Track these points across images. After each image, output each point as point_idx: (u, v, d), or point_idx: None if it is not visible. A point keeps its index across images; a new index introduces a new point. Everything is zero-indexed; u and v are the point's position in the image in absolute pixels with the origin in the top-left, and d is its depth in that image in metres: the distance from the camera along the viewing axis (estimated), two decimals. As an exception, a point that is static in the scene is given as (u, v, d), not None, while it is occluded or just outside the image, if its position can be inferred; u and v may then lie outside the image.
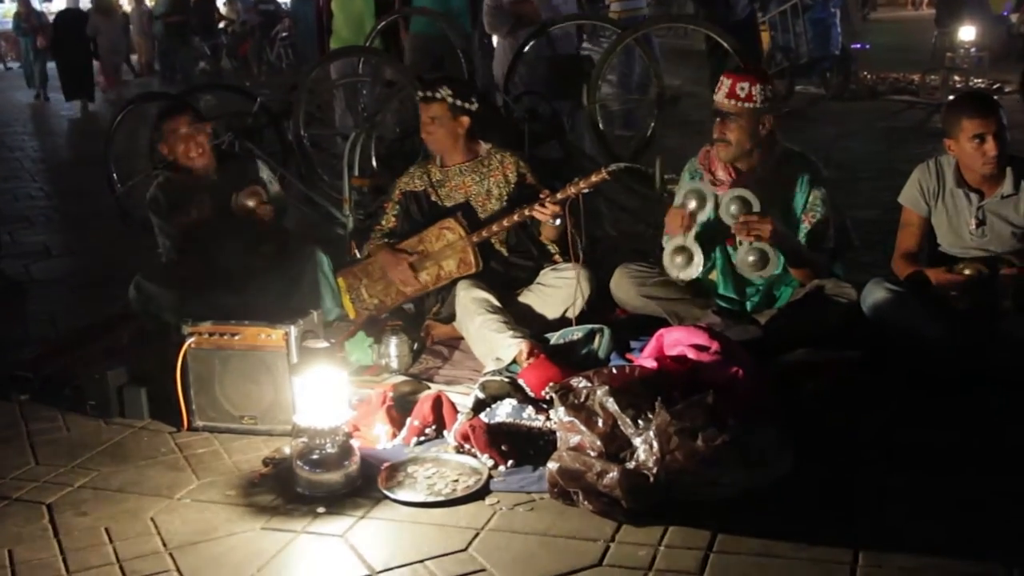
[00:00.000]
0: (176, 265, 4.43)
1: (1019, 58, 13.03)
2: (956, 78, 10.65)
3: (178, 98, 6.37)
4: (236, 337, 3.57)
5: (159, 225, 4.49)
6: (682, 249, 4.02)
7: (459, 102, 4.37)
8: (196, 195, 4.39)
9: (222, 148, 5.29)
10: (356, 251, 4.75)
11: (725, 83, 4.01)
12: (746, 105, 3.98)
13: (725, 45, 5.98)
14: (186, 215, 4.36)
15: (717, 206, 3.98)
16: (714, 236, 4.08)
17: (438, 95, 4.37)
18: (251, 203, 4.36)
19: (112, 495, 3.23)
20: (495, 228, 4.29)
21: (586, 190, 4.03)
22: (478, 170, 4.47)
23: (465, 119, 4.40)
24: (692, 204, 4.02)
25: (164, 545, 2.91)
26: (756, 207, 3.87)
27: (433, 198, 4.50)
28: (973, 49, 11.23)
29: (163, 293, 4.28)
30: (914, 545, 2.73)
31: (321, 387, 3.22)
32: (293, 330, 3.52)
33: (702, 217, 4.01)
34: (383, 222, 4.58)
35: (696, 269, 4.01)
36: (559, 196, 4.07)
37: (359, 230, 4.95)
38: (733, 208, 3.90)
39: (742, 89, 3.97)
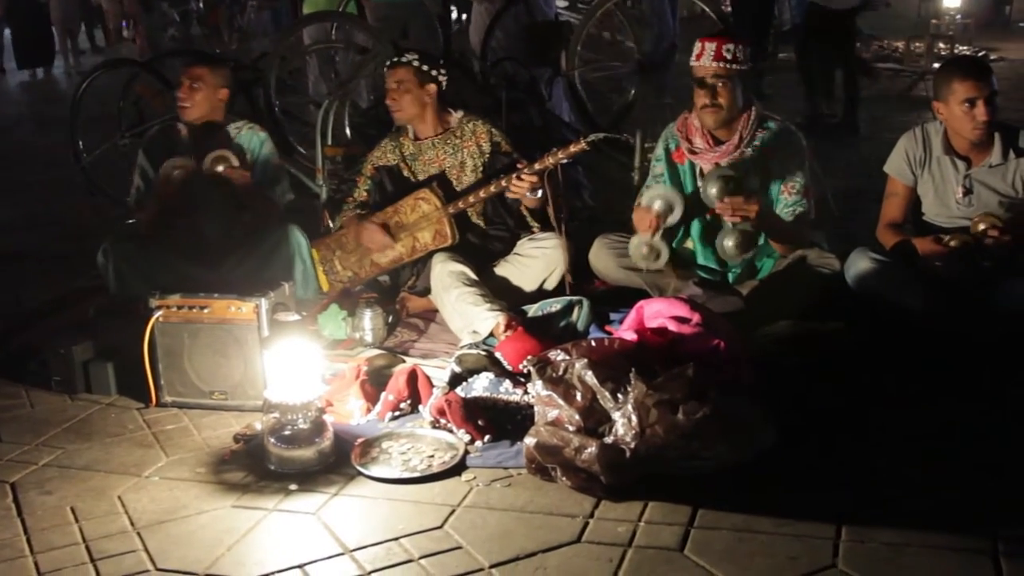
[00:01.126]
0: (149, 222, 4.33)
1: (1003, 25, 13.02)
2: (941, 45, 10.62)
3: (143, 64, 6.25)
4: (205, 310, 3.49)
5: (142, 165, 4.40)
6: (649, 245, 3.94)
7: (426, 67, 4.28)
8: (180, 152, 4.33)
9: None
10: (330, 221, 4.66)
11: (708, 47, 3.90)
12: (734, 67, 3.89)
13: (706, 9, 5.90)
14: (168, 177, 4.27)
15: (694, 185, 3.90)
16: (692, 209, 4.01)
17: (404, 59, 4.29)
18: (219, 168, 4.25)
19: (78, 473, 3.16)
20: (471, 199, 4.21)
21: (564, 160, 3.96)
22: (451, 141, 4.38)
23: (432, 87, 4.30)
24: (658, 206, 3.93)
25: (132, 524, 2.84)
26: (740, 187, 3.79)
27: (406, 173, 4.41)
28: (958, 16, 11.19)
29: (133, 259, 4.18)
30: (897, 519, 2.70)
31: (293, 361, 3.15)
32: (264, 303, 3.45)
33: (670, 221, 3.93)
34: (355, 195, 4.49)
35: (662, 264, 3.96)
36: (536, 167, 3.99)
37: (333, 200, 4.86)
38: (714, 190, 3.81)
39: (728, 51, 3.88)
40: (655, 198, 3.96)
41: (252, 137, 4.48)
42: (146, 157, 4.43)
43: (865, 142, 7.20)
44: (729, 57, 3.88)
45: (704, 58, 3.91)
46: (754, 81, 3.98)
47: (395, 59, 4.34)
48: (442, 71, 4.34)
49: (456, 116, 4.42)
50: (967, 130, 3.80)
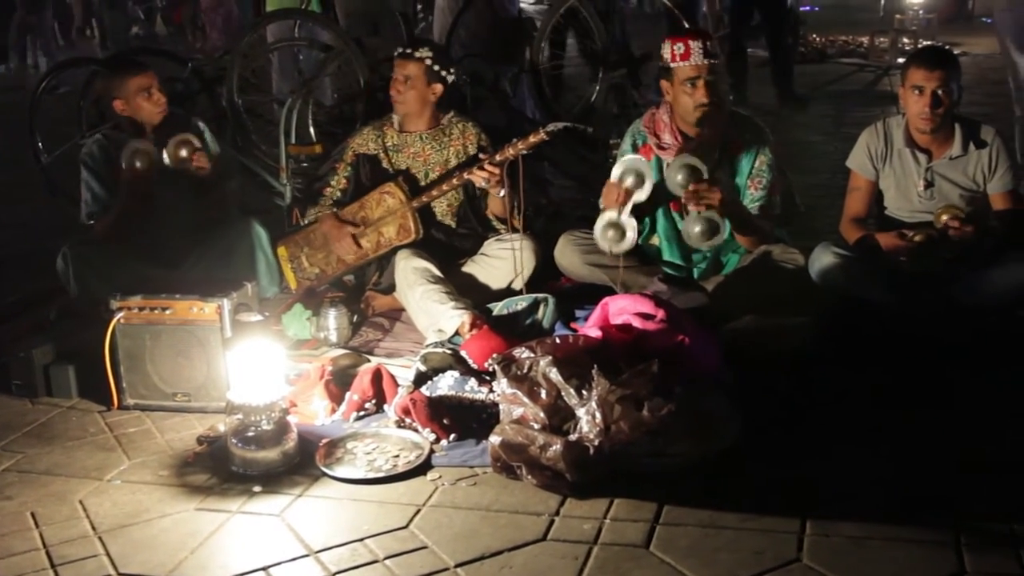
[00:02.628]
0: (100, 223, 4.27)
1: (966, 19, 13.14)
2: (905, 40, 10.68)
3: (104, 61, 6.16)
4: (167, 311, 3.46)
5: (87, 180, 4.32)
6: (615, 224, 3.89)
7: (437, 67, 4.26)
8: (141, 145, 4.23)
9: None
10: (300, 219, 4.63)
11: (695, 45, 3.87)
12: (717, 63, 3.91)
13: (668, 4, 5.90)
14: (131, 166, 4.18)
15: (660, 180, 3.89)
16: (657, 201, 4.00)
17: (417, 54, 4.26)
18: (183, 152, 4.14)
19: (38, 478, 3.11)
20: (435, 192, 4.20)
21: (525, 151, 3.95)
22: (438, 139, 4.36)
23: (438, 87, 4.29)
24: (629, 181, 3.88)
25: (93, 529, 2.81)
26: (705, 175, 3.79)
27: (385, 164, 4.38)
28: (921, 11, 11.27)
29: (92, 262, 4.12)
30: (861, 513, 2.71)
31: (256, 362, 3.12)
32: (226, 303, 3.42)
33: (639, 197, 3.87)
34: (333, 183, 4.44)
35: (628, 244, 3.90)
36: (498, 157, 3.98)
37: (297, 199, 4.82)
38: (680, 177, 3.79)
39: (711, 47, 3.90)
40: (625, 171, 3.89)
41: (199, 127, 4.45)
42: (89, 171, 4.32)
43: (827, 136, 7.24)
44: (713, 52, 3.90)
45: (694, 56, 3.87)
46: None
47: (407, 51, 4.29)
48: (451, 72, 4.33)
49: (447, 115, 4.41)
50: (914, 116, 3.83)
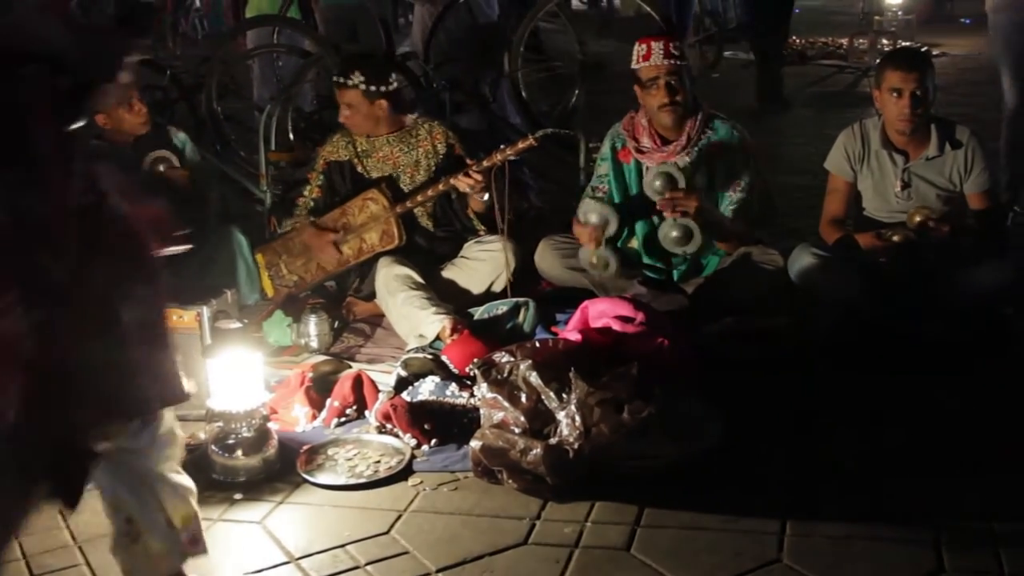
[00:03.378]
0: None
1: (946, 20, 13.20)
2: (884, 41, 10.71)
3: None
4: (146, 319, 3.43)
5: None
6: (596, 257, 3.97)
7: (373, 87, 4.21)
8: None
9: None
10: (276, 227, 4.62)
11: (655, 46, 3.91)
12: (682, 63, 3.93)
13: (647, 8, 5.92)
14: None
15: (639, 190, 3.92)
16: (636, 205, 4.02)
17: (350, 82, 4.22)
18: (160, 167, 4.18)
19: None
20: (419, 199, 4.19)
21: (512, 157, 3.96)
22: (406, 140, 4.34)
23: (382, 102, 4.25)
24: (594, 221, 3.95)
25: (73, 539, 2.79)
26: (681, 183, 3.82)
27: (359, 169, 4.37)
28: (900, 12, 11.32)
29: None
30: (841, 513, 2.73)
31: (236, 369, 3.12)
32: (205, 310, 3.41)
33: (609, 231, 3.95)
34: (306, 193, 4.43)
35: (613, 271, 3.97)
36: (484, 164, 3.98)
37: (277, 205, 4.81)
38: (658, 184, 3.85)
39: (676, 48, 3.93)
40: (589, 213, 3.99)
41: (175, 136, 4.44)
42: None
43: (808, 138, 7.26)
44: (677, 53, 3.91)
45: (654, 57, 3.91)
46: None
47: (341, 80, 4.26)
48: (391, 83, 4.29)
49: (411, 117, 4.40)
50: (893, 118, 3.85)
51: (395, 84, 4.33)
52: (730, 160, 4.03)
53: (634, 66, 3.98)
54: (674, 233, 3.85)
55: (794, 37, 12.52)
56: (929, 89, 3.81)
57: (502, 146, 3.99)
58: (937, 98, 3.91)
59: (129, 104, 4.22)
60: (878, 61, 4.20)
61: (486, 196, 4.05)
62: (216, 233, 4.30)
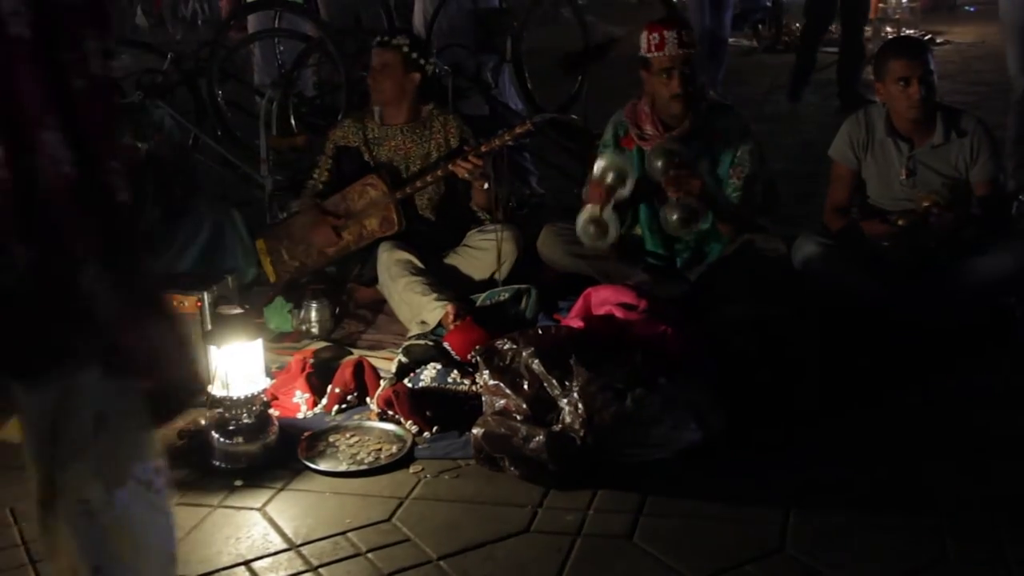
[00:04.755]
0: None
1: (949, 9, 13.16)
2: (888, 29, 10.68)
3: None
4: (147, 304, 3.42)
5: None
6: (597, 220, 3.86)
7: (415, 55, 4.23)
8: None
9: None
10: (280, 212, 4.61)
11: (670, 35, 3.85)
12: (692, 52, 3.90)
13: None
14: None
15: (642, 176, 3.88)
16: (640, 192, 4.00)
17: (394, 42, 4.24)
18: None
19: (17, 474, 3.06)
20: (419, 184, 4.17)
21: (511, 142, 3.94)
22: (419, 131, 4.32)
23: (416, 75, 4.25)
24: (610, 178, 3.86)
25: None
26: (682, 155, 3.79)
27: (366, 157, 4.34)
28: (905, 0, 11.28)
29: None
30: (845, 501, 2.72)
31: (237, 355, 3.10)
32: (207, 296, 3.40)
33: (622, 193, 3.86)
34: (315, 175, 4.41)
35: (610, 240, 3.89)
36: (483, 148, 3.96)
37: (278, 191, 4.80)
38: (660, 163, 3.80)
39: (687, 36, 3.89)
40: (606, 169, 3.87)
41: (153, 112, 4.43)
42: None
43: (811, 126, 7.25)
44: (689, 42, 3.88)
45: (668, 46, 3.86)
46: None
47: (385, 39, 4.28)
48: (430, 60, 4.30)
49: (427, 107, 4.38)
50: (904, 108, 3.83)
51: (432, 66, 4.33)
52: (733, 147, 4.01)
53: (645, 54, 3.92)
54: (677, 215, 3.79)
55: (796, 24, 12.49)
56: (934, 74, 3.80)
57: (500, 131, 3.97)
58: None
59: None
60: (876, 53, 4.16)
61: (486, 184, 4.03)
62: (210, 210, 4.29)
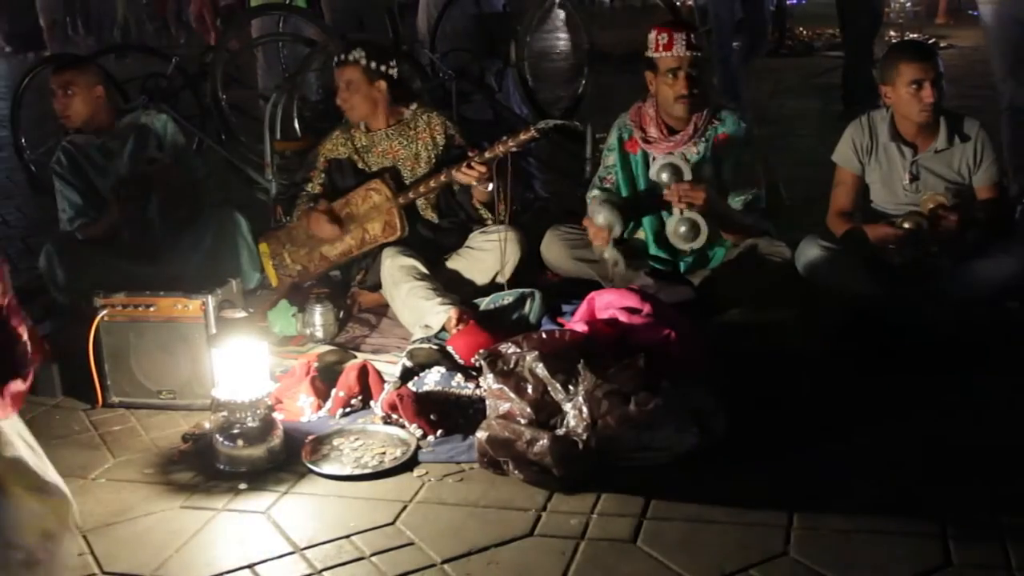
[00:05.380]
0: (86, 231, 4.26)
1: (953, 12, 13.17)
2: (892, 33, 10.69)
3: (84, 58, 6.14)
4: (151, 308, 3.43)
5: (61, 190, 4.31)
6: (608, 256, 3.94)
7: (374, 64, 4.19)
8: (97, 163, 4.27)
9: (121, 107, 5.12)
10: (283, 217, 4.61)
11: (678, 36, 3.88)
12: (699, 55, 3.91)
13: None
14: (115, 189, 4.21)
15: (646, 172, 3.89)
16: (644, 197, 4.01)
17: (351, 58, 4.21)
18: (149, 167, 4.21)
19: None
20: (422, 189, 4.17)
21: (515, 148, 3.93)
22: (405, 133, 4.32)
23: (382, 83, 4.23)
24: (599, 221, 3.90)
25: (78, 527, 2.77)
26: (687, 175, 3.81)
27: (360, 165, 4.35)
28: (908, 3, 11.28)
29: (74, 262, 4.10)
30: (848, 506, 2.71)
31: (241, 358, 3.11)
32: (211, 300, 3.40)
33: (615, 234, 3.91)
34: (308, 188, 4.42)
35: (623, 268, 3.94)
36: (487, 155, 3.96)
37: (282, 195, 4.80)
38: (664, 176, 3.84)
39: (695, 39, 3.91)
40: (595, 214, 3.93)
41: (156, 120, 4.44)
42: (60, 180, 4.30)
43: (814, 130, 7.24)
44: (696, 44, 3.89)
45: (676, 47, 3.88)
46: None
47: (342, 57, 4.25)
48: (391, 65, 4.26)
49: (410, 109, 4.37)
50: (914, 112, 3.83)
51: (396, 69, 4.29)
52: (737, 151, 4.01)
53: (652, 54, 3.94)
54: (682, 228, 3.83)
55: (800, 28, 12.51)
56: (943, 76, 3.80)
57: (504, 137, 3.97)
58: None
59: (66, 91, 4.21)
60: (884, 56, 4.15)
61: (490, 186, 4.03)
62: (214, 215, 4.31)
